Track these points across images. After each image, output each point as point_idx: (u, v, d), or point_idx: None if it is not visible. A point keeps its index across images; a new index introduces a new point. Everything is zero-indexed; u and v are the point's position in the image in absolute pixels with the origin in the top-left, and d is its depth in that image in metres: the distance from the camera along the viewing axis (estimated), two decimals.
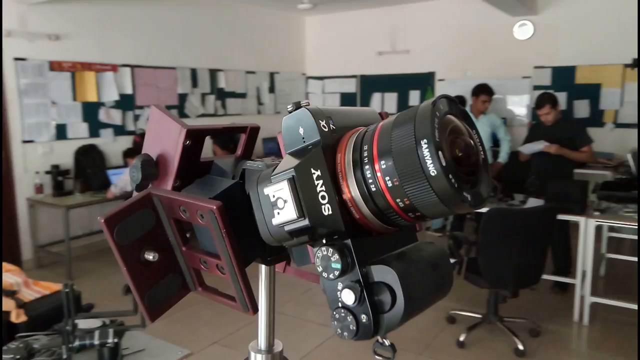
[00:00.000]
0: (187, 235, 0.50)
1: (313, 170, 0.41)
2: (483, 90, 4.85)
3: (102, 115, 5.46)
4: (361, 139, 0.42)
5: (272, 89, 7.59)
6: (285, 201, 0.41)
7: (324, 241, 0.42)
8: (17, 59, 4.75)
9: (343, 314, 0.42)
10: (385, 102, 7.51)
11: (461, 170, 0.39)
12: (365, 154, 0.41)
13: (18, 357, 1.34)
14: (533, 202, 3.80)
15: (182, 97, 6.31)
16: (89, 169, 5.20)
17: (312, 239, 0.43)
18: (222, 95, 6.79)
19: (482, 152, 0.43)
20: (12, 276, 1.87)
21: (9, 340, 1.47)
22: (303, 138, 0.43)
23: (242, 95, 7.11)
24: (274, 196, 0.42)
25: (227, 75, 6.82)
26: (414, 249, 0.47)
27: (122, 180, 4.75)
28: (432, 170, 0.36)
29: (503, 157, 4.93)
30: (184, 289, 0.51)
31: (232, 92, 6.94)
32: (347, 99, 7.86)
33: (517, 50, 6.38)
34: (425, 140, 0.36)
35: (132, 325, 1.65)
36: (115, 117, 5.57)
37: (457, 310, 3.64)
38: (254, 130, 0.59)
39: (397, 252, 0.45)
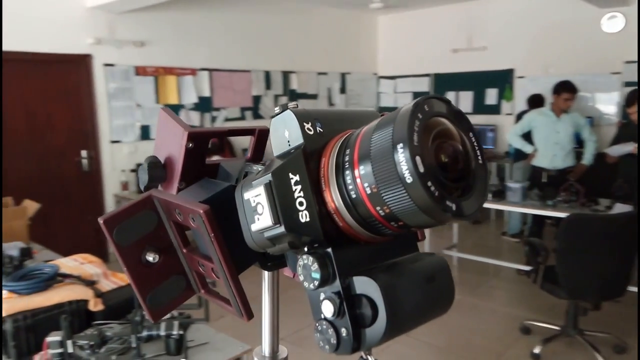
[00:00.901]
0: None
1: (291, 175, 0.39)
2: (565, 88, 4.55)
3: (182, 117, 5.74)
4: (346, 142, 0.40)
5: (343, 90, 7.61)
6: (263, 207, 0.40)
7: (305, 249, 0.41)
8: (106, 64, 5.11)
9: (325, 326, 0.40)
10: (460, 100, 7.28)
11: (448, 177, 0.36)
12: (347, 158, 0.38)
13: (92, 343, 1.45)
14: (620, 208, 3.51)
15: (257, 99, 6.49)
16: None
17: (292, 246, 0.41)
18: (294, 96, 6.91)
19: (479, 158, 0.39)
20: (93, 267, 2.01)
21: (86, 327, 1.59)
22: (288, 141, 0.42)
23: (314, 97, 7.19)
24: (254, 201, 0.40)
25: (299, 76, 6.93)
26: (408, 260, 0.44)
27: None
28: (408, 176, 0.34)
29: (587, 159, 4.60)
30: (188, 290, 0.51)
31: (304, 93, 7.04)
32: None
33: (605, 44, 5.92)
34: (401, 145, 0.34)
35: (197, 318, 1.72)
36: (194, 118, 5.84)
37: (532, 321, 3.45)
38: (263, 133, 0.57)
39: (387, 263, 0.43)
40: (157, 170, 0.51)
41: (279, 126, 0.43)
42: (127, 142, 5.36)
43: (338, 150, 0.40)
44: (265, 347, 0.56)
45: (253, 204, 0.40)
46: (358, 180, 0.37)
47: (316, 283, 0.40)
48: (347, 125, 0.42)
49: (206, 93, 5.95)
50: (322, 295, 0.40)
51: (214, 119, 6.04)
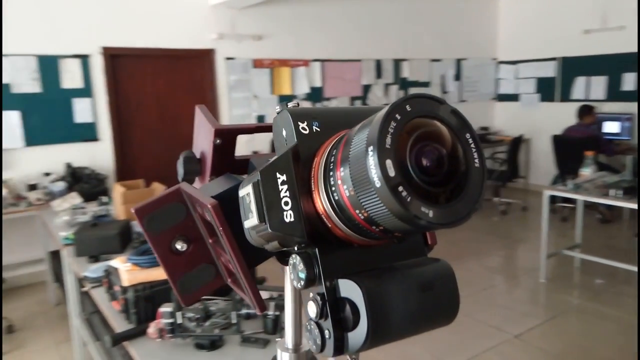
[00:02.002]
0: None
1: (278, 175, 0.39)
2: None
3: None
4: (338, 142, 0.38)
5: (457, 77, 7.30)
6: (251, 205, 0.40)
7: (296, 249, 0.40)
8: (227, 58, 5.46)
9: (312, 326, 0.40)
10: (591, 86, 6.61)
11: (430, 182, 0.33)
12: (333, 159, 0.37)
13: (198, 316, 1.58)
14: None
15: (366, 88, 6.49)
16: None
17: (282, 245, 0.41)
18: (405, 84, 6.79)
19: (475, 161, 0.36)
20: None
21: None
22: (286, 141, 0.42)
23: (426, 84, 7.00)
24: (246, 199, 0.41)
25: (411, 64, 6.79)
26: (407, 266, 0.42)
27: None
28: (377, 181, 0.32)
29: None
30: (218, 278, 0.52)
31: (416, 81, 6.88)
32: (544, 84, 7.13)
33: None
34: (371, 148, 0.32)
35: None
36: None
37: None
38: None
39: (381, 268, 0.40)
40: (192, 164, 0.54)
41: (278, 126, 0.43)
42: None
43: (329, 150, 0.39)
44: (289, 339, 0.57)
45: (246, 202, 0.41)
46: (339, 182, 0.36)
47: (302, 283, 0.40)
48: (346, 125, 0.41)
49: (318, 83, 6.09)
50: (310, 296, 0.40)
51: None
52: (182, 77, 5.33)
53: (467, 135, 0.37)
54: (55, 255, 3.85)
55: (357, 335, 0.38)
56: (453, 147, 0.36)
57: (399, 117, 0.34)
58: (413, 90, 6.87)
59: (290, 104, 0.44)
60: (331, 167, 0.37)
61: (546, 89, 7.12)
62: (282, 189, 0.39)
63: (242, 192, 0.42)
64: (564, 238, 5.12)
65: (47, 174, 4.45)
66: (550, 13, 6.89)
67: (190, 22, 5.16)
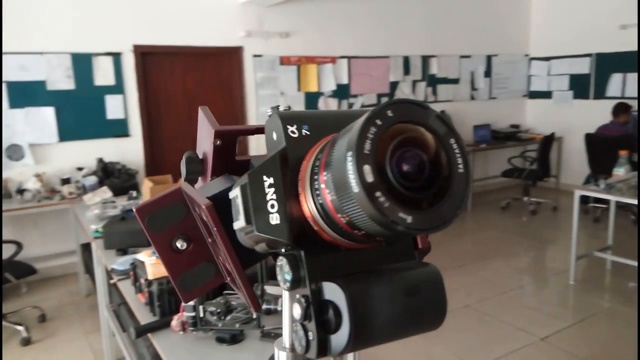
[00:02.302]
0: None
1: (265, 178, 0.40)
2: None
3: (321, 104, 5.96)
4: (325, 146, 0.38)
5: (488, 73, 7.17)
6: (239, 207, 0.40)
7: (283, 251, 0.41)
8: (255, 55, 5.50)
9: (298, 327, 0.40)
10: (627, 84, 6.40)
11: (411, 187, 0.33)
12: (318, 162, 0.37)
13: (219, 310, 1.61)
14: None
15: (394, 85, 6.45)
16: None
17: (270, 247, 0.42)
18: (433, 81, 6.71)
19: (459, 166, 0.36)
20: None
21: (218, 295, 1.77)
22: (276, 144, 0.42)
23: (455, 81, 6.90)
24: (235, 201, 0.41)
25: (439, 61, 6.71)
26: (393, 270, 0.41)
27: None
28: (355, 186, 0.32)
29: None
30: (218, 276, 0.53)
31: (444, 78, 6.79)
32: (578, 81, 6.94)
33: None
34: (350, 153, 0.32)
35: None
36: (331, 105, 6.02)
37: None
38: None
39: (367, 271, 0.40)
40: (194, 164, 0.55)
41: (270, 129, 0.44)
42: None
43: (316, 154, 0.39)
44: (286, 339, 0.57)
45: (236, 204, 0.42)
46: (323, 186, 0.36)
47: (288, 285, 0.40)
48: (336, 128, 0.41)
49: (344, 80, 6.08)
50: (296, 297, 0.41)
51: (350, 105, 6.15)
52: (210, 75, 5.41)
53: (452, 141, 0.37)
54: (86, 248, 3.98)
55: (340, 337, 0.38)
56: (437, 152, 0.36)
57: (379, 123, 0.34)
58: (442, 88, 6.78)
59: (281, 108, 0.44)
60: (316, 170, 0.38)
61: (580, 86, 6.92)
62: (268, 192, 0.40)
63: (232, 194, 0.42)
64: (595, 239, 4.98)
65: (80, 169, 4.58)
66: (584, 7, 6.70)
67: (219, 20, 5.22)
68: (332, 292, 0.39)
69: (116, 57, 4.75)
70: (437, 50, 6.67)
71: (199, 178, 0.57)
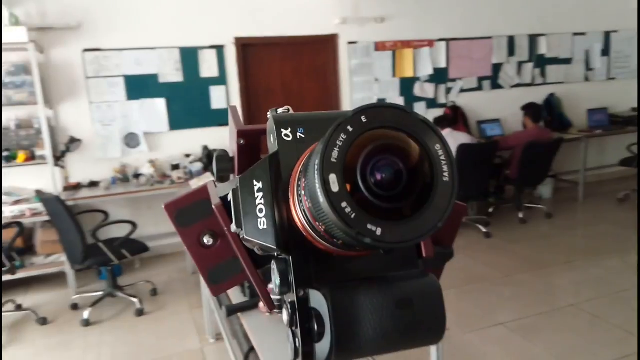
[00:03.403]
0: None
1: (255, 182, 0.39)
2: None
3: (417, 90, 5.82)
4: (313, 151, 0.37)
5: (605, 52, 6.50)
6: (232, 210, 0.40)
7: (275, 254, 0.40)
8: (350, 42, 5.49)
9: (289, 333, 0.39)
10: None
11: (384, 197, 0.31)
12: (302, 168, 0.36)
13: None
14: None
15: (496, 67, 6.09)
16: None
17: (262, 250, 0.41)
18: (541, 62, 6.23)
19: (444, 174, 0.32)
20: None
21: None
22: (272, 148, 0.41)
23: (567, 61, 6.35)
24: (231, 204, 0.41)
25: (549, 39, 6.20)
26: (386, 279, 0.39)
27: None
28: (320, 195, 0.30)
29: None
30: (245, 272, 0.54)
31: (554, 58, 6.28)
32: None
33: None
34: (317, 161, 0.31)
35: None
36: (428, 90, 5.85)
37: None
38: None
39: (358, 280, 0.38)
40: (224, 163, 0.55)
41: (269, 132, 0.44)
42: None
43: (305, 159, 0.38)
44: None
45: (231, 207, 0.42)
46: (303, 192, 0.35)
47: (277, 290, 0.40)
48: None
49: (442, 64, 5.86)
50: (285, 303, 0.40)
51: (448, 90, 5.92)
52: (306, 63, 5.51)
53: (438, 147, 0.34)
54: None
55: (323, 347, 0.37)
56: (420, 160, 0.33)
57: (350, 130, 0.33)
58: (551, 69, 6.28)
59: (280, 110, 0.44)
60: (300, 176, 0.37)
61: None
62: (257, 196, 0.40)
63: (230, 196, 0.43)
64: None
65: (187, 155, 4.94)
66: None
67: (315, 9, 5.29)
68: (318, 300, 0.38)
69: (219, 49, 5.01)
70: (546, 28, 6.17)
71: (231, 176, 0.59)
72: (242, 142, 0.54)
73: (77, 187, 4.57)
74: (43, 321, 3.61)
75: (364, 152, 0.33)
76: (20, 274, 4.02)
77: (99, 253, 3.58)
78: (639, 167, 3.30)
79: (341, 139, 0.32)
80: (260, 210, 0.40)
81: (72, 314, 3.77)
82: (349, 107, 5.52)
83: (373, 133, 0.33)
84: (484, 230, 4.95)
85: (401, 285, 0.40)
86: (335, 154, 0.32)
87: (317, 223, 0.35)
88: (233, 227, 0.42)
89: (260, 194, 0.40)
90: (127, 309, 3.79)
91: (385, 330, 0.37)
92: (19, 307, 3.85)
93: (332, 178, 0.31)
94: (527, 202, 5.72)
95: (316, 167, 0.32)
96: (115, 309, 3.81)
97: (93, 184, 4.65)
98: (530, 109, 5.39)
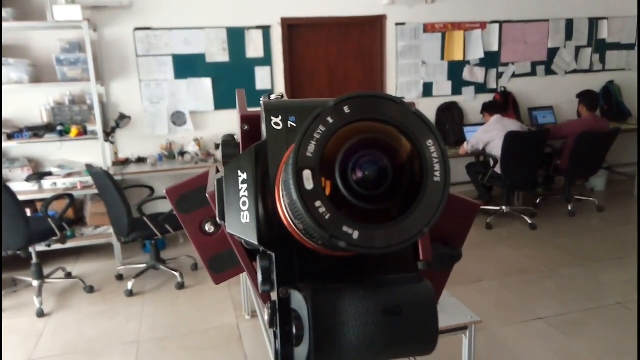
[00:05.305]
0: None
1: (240, 173, 0.36)
2: None
3: (466, 74, 5.63)
4: None
5: None
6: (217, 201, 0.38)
7: (261, 250, 0.37)
8: (397, 24, 5.37)
9: (271, 334, 0.37)
10: None
11: (366, 196, 0.28)
12: (288, 160, 0.33)
13: None
14: None
15: (552, 52, 5.80)
16: (448, 124, 5.51)
17: (247, 244, 0.38)
18: (602, 47, 5.89)
19: (435, 174, 0.29)
20: None
21: None
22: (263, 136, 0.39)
23: (630, 47, 5.97)
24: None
25: (611, 23, 5.84)
26: (376, 284, 0.35)
27: (475, 138, 4.85)
28: (293, 193, 0.28)
29: None
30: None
31: (617, 44, 5.91)
32: None
33: None
34: (291, 156, 0.28)
35: None
36: (478, 75, 5.65)
37: None
38: None
39: (346, 282, 0.35)
40: (229, 148, 0.54)
41: (262, 120, 0.40)
42: (410, 99, 5.58)
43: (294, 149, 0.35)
44: None
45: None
46: (282, 187, 0.32)
47: (260, 287, 0.37)
48: None
49: (494, 47, 5.64)
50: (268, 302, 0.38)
51: (500, 75, 5.70)
52: (352, 45, 5.43)
53: (430, 143, 0.31)
54: None
55: (301, 352, 0.35)
56: (411, 156, 0.30)
57: (331, 121, 0.29)
58: (612, 55, 5.92)
59: (272, 96, 0.41)
60: (285, 168, 0.34)
61: None
62: (241, 188, 0.37)
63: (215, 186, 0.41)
64: None
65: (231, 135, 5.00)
66: None
67: None
68: (299, 302, 0.35)
69: (266, 30, 5.01)
70: (608, 10, 5.81)
71: None
72: (246, 127, 0.51)
73: (126, 162, 4.74)
74: (90, 289, 3.80)
75: (344, 146, 0.30)
76: (70, 244, 4.23)
77: (143, 227, 3.71)
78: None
79: (319, 131, 0.30)
80: (244, 203, 0.37)
81: (117, 284, 3.94)
82: (394, 91, 5.44)
83: (358, 126, 0.30)
84: (529, 221, 4.78)
85: (391, 290, 0.36)
86: (311, 147, 0.29)
87: (297, 221, 0.32)
88: (219, 219, 0.40)
89: (245, 186, 0.37)
90: (169, 282, 3.92)
91: (369, 338, 0.34)
92: (69, 275, 4.06)
93: (307, 174, 0.29)
94: (578, 194, 5.48)
95: (290, 161, 0.30)
96: (157, 281, 3.96)
97: (140, 160, 4.81)
98: (585, 97, 5.11)
